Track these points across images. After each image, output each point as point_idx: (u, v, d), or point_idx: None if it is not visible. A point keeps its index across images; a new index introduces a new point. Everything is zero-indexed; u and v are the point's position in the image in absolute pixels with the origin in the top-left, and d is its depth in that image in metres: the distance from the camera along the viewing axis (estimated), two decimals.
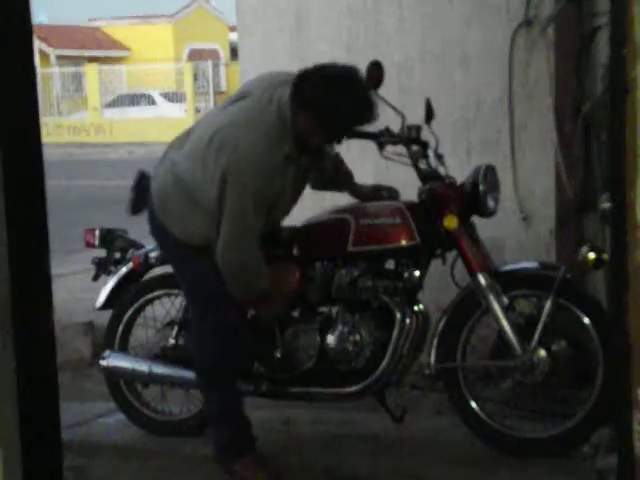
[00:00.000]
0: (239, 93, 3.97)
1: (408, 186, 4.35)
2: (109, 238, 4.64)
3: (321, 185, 4.41)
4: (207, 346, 4.00)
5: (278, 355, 4.19)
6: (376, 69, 3.96)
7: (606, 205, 3.81)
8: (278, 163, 3.75)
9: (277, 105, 3.76)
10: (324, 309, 4.21)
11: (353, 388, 4.12)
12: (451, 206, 4.06)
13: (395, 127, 4.19)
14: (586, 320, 4.01)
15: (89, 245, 4.67)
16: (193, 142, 3.92)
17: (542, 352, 4.02)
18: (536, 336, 4.01)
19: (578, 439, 4.03)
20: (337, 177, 4.37)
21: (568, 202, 4.81)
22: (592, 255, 3.99)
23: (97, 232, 4.64)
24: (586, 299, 4.14)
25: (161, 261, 4.46)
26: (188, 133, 4.05)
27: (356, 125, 3.89)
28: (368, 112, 3.77)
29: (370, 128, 4.27)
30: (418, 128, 4.15)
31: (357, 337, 4.10)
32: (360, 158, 5.28)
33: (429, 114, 4.19)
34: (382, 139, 4.18)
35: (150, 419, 4.63)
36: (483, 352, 4.27)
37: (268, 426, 4.50)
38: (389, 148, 4.23)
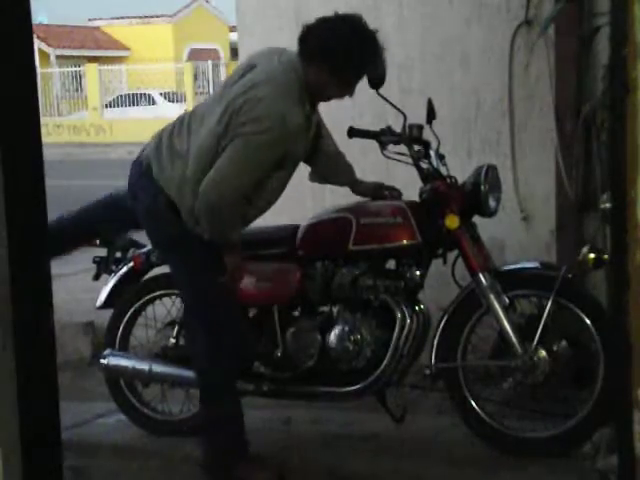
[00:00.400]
0: (245, 67, 3.87)
1: (409, 187, 4.35)
2: (110, 237, 4.64)
3: (320, 177, 4.35)
4: (207, 344, 3.95)
5: (279, 354, 4.19)
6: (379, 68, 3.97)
7: (606, 205, 3.82)
8: (300, 124, 3.71)
9: (289, 65, 3.73)
10: (325, 308, 4.21)
11: (354, 387, 4.12)
12: (452, 205, 4.07)
13: (397, 127, 4.19)
14: (587, 320, 4.02)
15: (91, 244, 4.67)
16: (206, 118, 3.82)
17: (543, 352, 4.03)
18: (537, 336, 4.01)
19: (579, 439, 4.03)
20: (337, 169, 4.31)
21: (568, 202, 4.81)
22: (592, 255, 3.99)
23: None
24: (587, 299, 4.14)
25: (162, 260, 4.46)
26: (187, 121, 3.93)
27: (367, 65, 3.80)
28: (377, 50, 3.77)
29: (372, 128, 4.27)
30: (420, 127, 4.15)
31: (358, 336, 4.10)
32: (361, 159, 5.28)
33: (430, 114, 4.19)
34: (384, 138, 4.18)
35: (150, 419, 4.63)
36: (484, 352, 4.27)
37: (268, 426, 4.51)
38: (391, 147, 4.24)
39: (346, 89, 3.85)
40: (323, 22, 3.77)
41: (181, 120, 3.95)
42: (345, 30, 3.73)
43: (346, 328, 4.11)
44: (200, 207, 3.74)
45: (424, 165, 4.17)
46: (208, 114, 3.81)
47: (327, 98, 3.86)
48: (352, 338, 4.10)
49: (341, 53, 3.70)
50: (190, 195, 3.79)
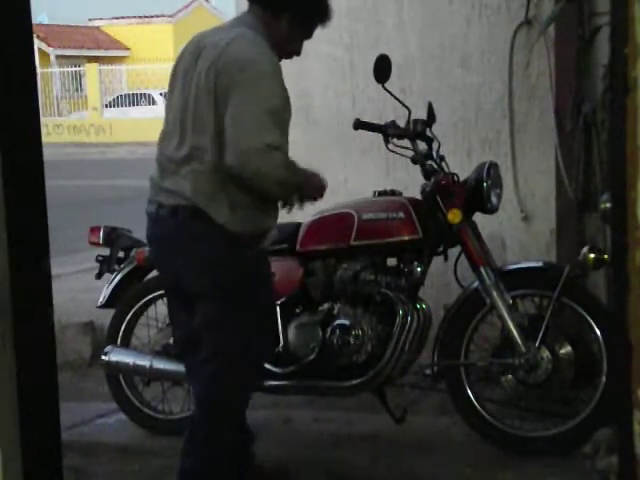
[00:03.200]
0: (194, 50, 3.51)
1: (410, 187, 4.36)
2: (113, 236, 4.65)
3: None
4: (225, 369, 3.50)
5: (280, 349, 4.19)
6: (384, 62, 3.97)
7: (606, 205, 3.82)
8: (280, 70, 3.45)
9: (247, 28, 3.49)
10: (326, 303, 4.22)
11: (354, 382, 4.13)
12: (455, 200, 4.08)
13: (401, 123, 4.19)
14: (590, 320, 4.03)
15: (93, 243, 4.67)
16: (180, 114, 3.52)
17: (546, 351, 4.03)
18: (540, 335, 4.02)
19: (580, 439, 4.03)
20: None
21: (568, 202, 4.81)
22: (592, 255, 3.99)
23: (101, 230, 4.65)
24: (590, 299, 4.15)
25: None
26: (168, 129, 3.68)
27: (326, 6, 3.67)
28: None
29: (376, 122, 4.27)
30: (424, 122, 4.17)
31: (359, 331, 4.11)
32: (361, 160, 5.29)
33: (430, 117, 4.21)
34: (389, 131, 4.18)
35: (151, 418, 4.63)
36: (486, 351, 4.27)
37: (268, 426, 4.50)
38: (393, 144, 4.23)
39: (306, 36, 3.66)
40: None
41: (160, 153, 3.66)
42: None
43: (347, 323, 4.12)
44: (255, 174, 3.29)
45: (427, 161, 4.18)
46: (181, 110, 3.52)
47: (289, 54, 3.63)
48: (353, 333, 4.11)
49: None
50: (215, 181, 3.38)
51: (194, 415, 3.62)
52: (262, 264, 3.57)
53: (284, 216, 4.32)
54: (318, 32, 5.29)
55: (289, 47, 3.60)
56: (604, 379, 3.99)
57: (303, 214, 4.32)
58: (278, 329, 4.18)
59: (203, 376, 3.53)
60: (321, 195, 3.64)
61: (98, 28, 40.72)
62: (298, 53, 3.66)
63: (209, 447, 3.50)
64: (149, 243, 3.73)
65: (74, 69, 34.43)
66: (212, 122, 3.37)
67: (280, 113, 3.36)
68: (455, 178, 4.19)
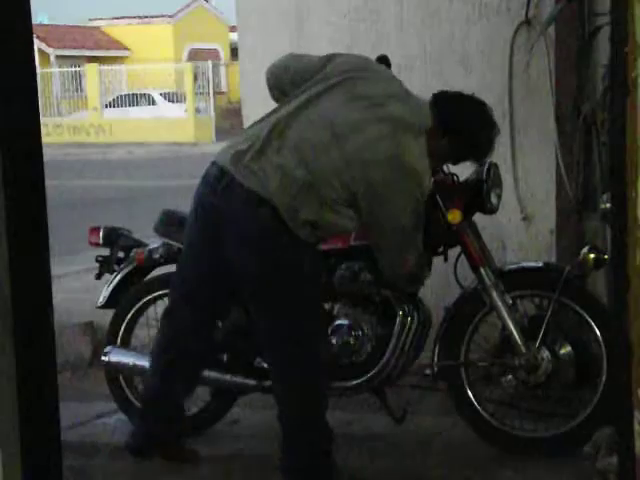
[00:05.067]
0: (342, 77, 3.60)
1: None
2: (113, 237, 4.65)
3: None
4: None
5: None
6: (384, 63, 3.98)
7: (606, 205, 3.82)
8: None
9: (421, 123, 3.63)
10: (326, 304, 4.22)
11: (354, 382, 4.14)
12: (455, 200, 4.08)
13: None
14: (590, 320, 4.03)
15: (93, 244, 4.67)
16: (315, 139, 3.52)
17: (546, 352, 4.04)
18: (540, 336, 4.02)
19: (580, 439, 4.03)
20: None
21: (568, 202, 4.81)
22: (592, 255, 4.00)
23: (101, 231, 4.65)
24: (590, 299, 4.15)
25: (165, 258, 4.46)
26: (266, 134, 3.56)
27: (486, 153, 3.88)
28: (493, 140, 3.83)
29: None
30: None
31: (358, 331, 4.12)
32: None
33: None
34: None
35: None
36: (486, 352, 4.27)
37: (269, 426, 4.50)
38: None
39: (450, 161, 3.92)
40: (460, 98, 3.86)
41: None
42: (483, 117, 3.82)
43: (347, 323, 4.12)
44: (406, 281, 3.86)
45: None
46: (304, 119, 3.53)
47: (437, 167, 3.88)
48: (353, 333, 4.12)
49: (476, 139, 3.78)
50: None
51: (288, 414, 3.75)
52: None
53: None
54: (318, 32, 5.31)
55: (433, 164, 3.71)
56: (604, 379, 3.99)
57: None
58: None
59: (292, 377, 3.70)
60: None
61: (98, 28, 40.71)
62: (435, 172, 3.85)
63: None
64: (198, 208, 3.71)
65: (74, 69, 34.42)
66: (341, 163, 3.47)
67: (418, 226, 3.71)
68: (455, 178, 4.19)
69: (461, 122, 3.76)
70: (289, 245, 3.50)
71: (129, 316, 4.61)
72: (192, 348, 3.89)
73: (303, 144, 3.48)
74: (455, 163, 3.91)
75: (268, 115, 3.65)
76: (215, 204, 3.57)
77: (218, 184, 3.54)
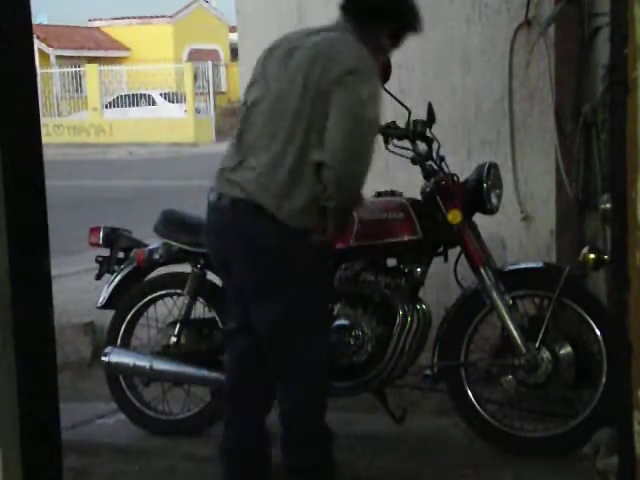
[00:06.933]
0: (285, 51, 3.54)
1: (410, 188, 4.35)
2: (113, 237, 4.65)
3: None
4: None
5: None
6: (384, 63, 3.97)
7: (606, 205, 3.82)
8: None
9: (348, 33, 3.52)
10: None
11: (354, 382, 4.14)
12: (455, 200, 4.08)
13: (400, 124, 4.19)
14: (590, 320, 4.03)
15: (93, 244, 4.67)
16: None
17: (546, 352, 4.04)
18: (540, 336, 4.02)
19: (580, 439, 4.03)
20: None
21: (568, 202, 4.81)
22: (592, 255, 3.99)
23: (101, 231, 4.65)
24: (590, 299, 4.15)
25: (165, 259, 4.46)
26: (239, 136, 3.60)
27: (415, 16, 3.67)
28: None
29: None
30: (424, 123, 4.16)
31: (358, 332, 4.12)
32: None
33: (430, 118, 4.20)
34: (388, 132, 4.17)
35: (150, 419, 4.63)
36: (486, 352, 4.27)
37: (269, 427, 4.49)
38: (392, 145, 4.23)
39: (397, 47, 3.73)
40: None
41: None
42: None
43: (347, 323, 4.12)
44: (343, 186, 3.42)
45: (427, 161, 4.18)
46: (258, 102, 3.52)
47: (384, 59, 3.69)
48: (353, 333, 4.12)
49: (398, 10, 3.62)
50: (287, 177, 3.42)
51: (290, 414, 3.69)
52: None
53: None
54: None
55: (380, 59, 3.63)
56: (604, 379, 3.99)
57: None
58: None
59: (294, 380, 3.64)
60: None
61: (98, 29, 40.70)
62: (387, 64, 3.71)
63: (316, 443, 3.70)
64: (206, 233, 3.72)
65: (74, 69, 34.42)
66: (303, 120, 3.40)
67: (377, 122, 3.50)
68: (455, 179, 4.19)
69: (373, 5, 3.62)
70: (277, 236, 3.46)
71: (129, 316, 4.61)
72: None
73: (264, 129, 3.49)
74: (396, 44, 3.71)
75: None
76: (212, 224, 3.62)
77: (214, 206, 3.57)
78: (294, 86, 3.43)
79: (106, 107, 32.49)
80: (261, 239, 3.47)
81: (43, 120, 25.06)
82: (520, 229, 5.07)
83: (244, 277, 3.55)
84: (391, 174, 5.08)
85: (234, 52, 33.29)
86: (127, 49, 39.67)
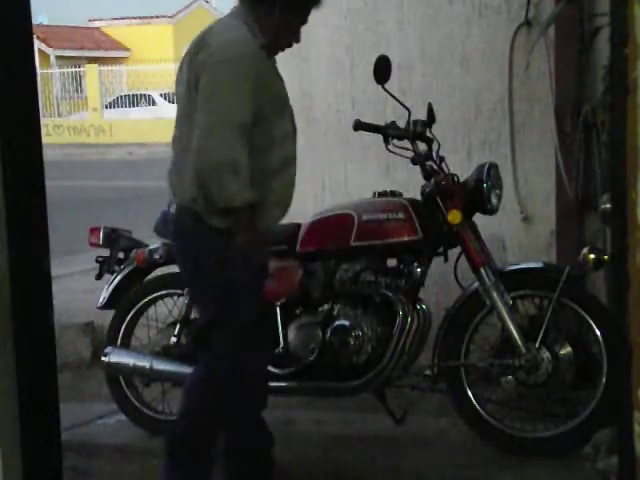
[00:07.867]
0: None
1: (410, 188, 4.35)
2: (113, 237, 4.66)
3: None
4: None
5: (280, 351, 4.19)
6: (384, 63, 3.97)
7: (606, 206, 3.82)
8: (258, 51, 3.43)
9: (233, 18, 3.52)
10: (326, 304, 4.22)
11: (354, 383, 4.14)
12: (455, 200, 4.08)
13: (401, 124, 4.19)
14: (589, 320, 4.03)
15: (93, 244, 4.67)
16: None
17: (546, 352, 4.04)
18: (540, 336, 4.02)
19: (580, 439, 4.03)
20: None
21: (569, 202, 4.81)
22: (592, 255, 3.99)
23: (101, 231, 4.65)
24: (590, 300, 4.15)
25: (165, 259, 4.46)
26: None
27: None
28: None
29: (376, 123, 4.27)
30: (424, 123, 4.16)
31: (359, 332, 4.12)
32: (361, 161, 5.29)
33: (430, 118, 4.21)
34: (389, 132, 4.17)
35: (150, 419, 4.63)
36: (486, 352, 4.27)
37: (270, 427, 4.50)
38: (393, 145, 4.23)
39: (303, 22, 3.61)
40: None
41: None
42: None
43: (347, 324, 4.12)
44: (200, 167, 3.31)
45: (427, 162, 4.18)
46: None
47: (288, 43, 3.61)
48: (353, 334, 4.12)
49: None
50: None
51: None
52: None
53: (283, 219, 4.32)
54: (318, 32, 5.30)
55: (286, 37, 3.57)
56: (604, 379, 3.99)
57: (303, 215, 4.33)
58: (278, 330, 4.19)
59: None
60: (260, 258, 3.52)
61: (98, 29, 40.73)
62: (297, 40, 3.63)
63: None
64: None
65: (74, 70, 34.43)
66: (191, 110, 3.42)
67: (234, 112, 3.34)
68: (455, 179, 4.19)
69: None
70: (199, 230, 3.48)
71: (129, 317, 4.61)
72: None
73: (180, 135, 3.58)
74: (302, 20, 3.59)
75: None
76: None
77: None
78: (184, 78, 3.49)
79: (106, 107, 32.49)
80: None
81: (43, 120, 25.07)
82: (520, 229, 5.07)
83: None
84: (391, 174, 5.09)
85: None
86: (127, 49, 39.69)
